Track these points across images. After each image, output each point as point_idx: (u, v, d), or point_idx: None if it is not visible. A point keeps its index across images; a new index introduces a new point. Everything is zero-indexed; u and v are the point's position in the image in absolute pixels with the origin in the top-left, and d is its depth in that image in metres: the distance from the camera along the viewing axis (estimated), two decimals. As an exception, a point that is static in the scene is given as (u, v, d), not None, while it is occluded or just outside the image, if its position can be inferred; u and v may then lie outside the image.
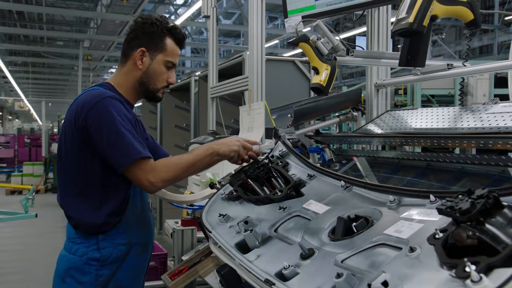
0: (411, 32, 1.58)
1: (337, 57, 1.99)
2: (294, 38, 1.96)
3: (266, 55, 3.25)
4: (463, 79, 2.07)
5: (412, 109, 2.26)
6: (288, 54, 14.76)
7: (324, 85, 1.93)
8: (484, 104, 1.91)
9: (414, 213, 1.32)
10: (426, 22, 1.57)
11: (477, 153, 1.74)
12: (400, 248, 1.18)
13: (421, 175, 1.84)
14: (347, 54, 2.04)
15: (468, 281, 0.82)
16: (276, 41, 17.31)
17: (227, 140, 1.89)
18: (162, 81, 1.93)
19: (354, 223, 1.42)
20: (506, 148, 1.43)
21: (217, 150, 1.84)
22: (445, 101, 5.64)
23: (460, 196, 1.00)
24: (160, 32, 1.90)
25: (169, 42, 1.92)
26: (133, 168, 1.73)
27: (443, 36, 17.42)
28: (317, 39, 1.96)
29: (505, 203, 0.95)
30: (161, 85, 1.94)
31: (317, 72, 1.96)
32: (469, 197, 0.96)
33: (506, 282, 0.76)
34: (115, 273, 1.82)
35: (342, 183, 1.69)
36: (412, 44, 1.64)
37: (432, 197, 1.29)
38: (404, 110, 2.35)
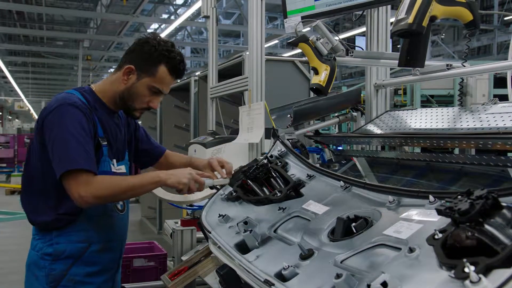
0: (411, 32, 1.59)
1: (337, 58, 1.99)
2: (294, 39, 1.96)
3: (265, 55, 3.25)
4: (462, 80, 2.07)
5: (412, 110, 2.26)
6: (287, 54, 14.75)
7: (324, 85, 1.93)
8: (483, 104, 1.91)
9: (414, 213, 1.32)
10: (425, 22, 1.57)
11: (476, 154, 1.74)
12: (400, 249, 1.18)
13: (420, 176, 1.84)
14: (347, 54, 2.04)
15: (467, 282, 0.82)
16: (276, 41, 17.31)
17: (178, 171, 1.85)
18: (142, 103, 1.92)
19: (353, 224, 1.42)
20: (505, 148, 1.43)
21: (164, 180, 1.81)
22: (444, 101, 5.63)
23: (459, 196, 1.00)
24: (156, 57, 1.87)
25: (162, 69, 1.88)
26: (68, 178, 1.71)
27: (443, 36, 17.42)
28: (317, 39, 1.96)
29: (504, 204, 0.95)
30: (140, 106, 1.93)
31: (316, 72, 1.96)
32: (468, 198, 0.96)
33: (505, 282, 0.76)
34: (70, 268, 1.85)
35: (342, 183, 1.69)
36: (412, 45, 1.65)
37: (431, 198, 1.29)
38: (403, 110, 2.35)
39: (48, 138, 1.77)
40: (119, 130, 1.98)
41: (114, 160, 1.93)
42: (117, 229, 2.01)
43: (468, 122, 1.84)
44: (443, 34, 17.40)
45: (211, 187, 1.99)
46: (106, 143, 1.87)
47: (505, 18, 14.92)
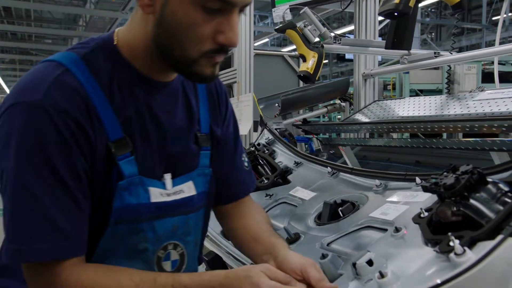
0: (397, 13, 1.56)
1: (325, 45, 1.98)
2: (281, 25, 1.94)
3: (255, 50, 3.23)
4: (450, 68, 2.07)
5: (400, 99, 2.26)
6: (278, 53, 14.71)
7: (311, 72, 1.92)
8: (470, 92, 1.92)
9: (400, 196, 1.31)
10: (412, 3, 1.55)
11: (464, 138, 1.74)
12: (386, 230, 1.17)
13: (409, 162, 1.84)
14: (335, 41, 2.02)
15: (451, 255, 0.81)
16: (266, 40, 17.29)
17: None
18: (200, 41, 0.89)
19: (340, 208, 1.41)
20: (491, 131, 1.43)
21: None
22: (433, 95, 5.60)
23: (445, 173, 0.99)
24: None
25: None
26: (27, 269, 0.89)
27: (432, 36, 17.54)
28: (304, 26, 1.94)
29: (489, 179, 0.94)
30: (199, 49, 0.90)
31: (304, 59, 1.95)
32: (454, 174, 0.95)
33: (488, 253, 0.75)
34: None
35: (329, 169, 1.68)
36: (398, 27, 1.64)
37: (418, 180, 1.28)
38: (391, 100, 2.34)
39: None
40: (174, 116, 1.03)
41: (167, 177, 1.01)
42: None
43: (456, 109, 1.84)
44: (433, 34, 17.52)
45: None
46: (129, 149, 0.94)
47: (493, 18, 15.05)
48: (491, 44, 15.58)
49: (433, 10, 16.79)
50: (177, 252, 1.04)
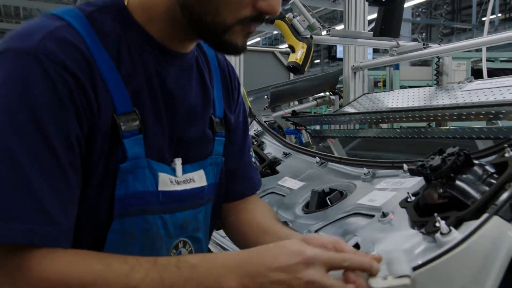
0: (384, -3, 1.55)
1: (314, 36, 1.97)
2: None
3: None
4: (439, 59, 2.07)
5: (389, 91, 2.26)
6: (269, 51, 14.74)
7: (300, 63, 1.91)
8: (459, 83, 1.92)
9: (388, 183, 1.31)
10: (399, -11, 1.55)
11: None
12: (373, 216, 1.16)
13: (398, 151, 1.84)
14: (324, 32, 2.02)
15: (437, 234, 0.80)
16: (258, 39, 17.33)
17: (271, 254, 0.70)
18: (240, 5, 0.76)
19: (328, 196, 1.40)
20: (479, 119, 1.43)
21: None
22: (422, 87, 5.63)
23: (432, 156, 0.98)
24: None
25: None
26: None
27: (423, 36, 17.64)
28: (293, 17, 1.93)
29: (476, 162, 0.94)
30: (236, 15, 0.76)
31: (293, 50, 1.94)
32: (440, 156, 0.95)
33: (473, 231, 0.75)
34: None
35: (317, 159, 1.67)
36: (386, 14, 1.63)
37: (405, 167, 1.28)
38: (381, 92, 2.34)
39: None
40: (188, 94, 0.90)
41: (177, 162, 0.88)
42: None
43: (444, 100, 1.84)
44: (424, 34, 17.63)
45: None
46: (137, 126, 0.79)
47: (483, 18, 15.19)
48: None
49: (423, 10, 16.90)
50: (187, 251, 0.92)
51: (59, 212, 0.69)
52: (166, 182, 0.84)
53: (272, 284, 0.66)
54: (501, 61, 5.55)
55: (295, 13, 1.94)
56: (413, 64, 6.60)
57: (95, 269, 0.68)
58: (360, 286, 0.67)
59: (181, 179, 0.87)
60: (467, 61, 4.73)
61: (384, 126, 2.12)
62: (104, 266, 0.69)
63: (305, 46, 1.92)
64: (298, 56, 1.91)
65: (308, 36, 1.95)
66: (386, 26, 1.64)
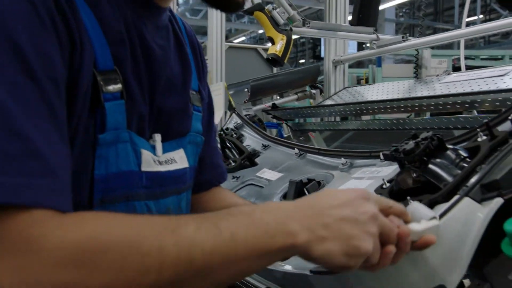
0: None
1: (293, 28, 1.96)
2: (249, 7, 1.92)
3: (228, 42, 3.21)
4: (418, 52, 2.08)
5: (369, 85, 2.26)
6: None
7: (280, 55, 1.89)
8: (437, 75, 1.93)
9: (365, 172, 1.31)
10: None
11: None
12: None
13: (378, 142, 1.84)
14: (303, 25, 2.01)
15: (409, 217, 0.79)
16: (243, 38, 17.30)
17: (334, 201, 0.60)
18: None
19: (306, 187, 1.40)
20: (455, 109, 1.44)
21: (306, 242, 0.56)
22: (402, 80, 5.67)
23: (405, 141, 0.98)
24: None
25: None
26: None
27: (407, 36, 17.79)
28: (273, 8, 1.92)
29: (449, 146, 0.94)
30: None
31: (272, 42, 1.92)
32: (414, 140, 0.95)
33: (444, 213, 0.74)
34: None
35: (296, 150, 1.66)
36: (364, 3, 1.63)
37: (382, 156, 1.28)
38: (361, 86, 2.35)
39: None
40: (167, 56, 0.78)
41: (157, 139, 0.76)
42: None
43: (423, 92, 1.86)
44: (408, 34, 17.78)
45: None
46: (119, 88, 0.66)
47: (467, 20, 15.37)
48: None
49: (406, 11, 17.07)
50: None
51: (51, 156, 0.51)
52: (149, 162, 0.71)
53: (338, 221, 0.57)
54: (482, 59, 5.64)
55: (274, 5, 1.93)
56: (397, 61, 6.64)
57: (133, 225, 0.51)
58: (404, 229, 0.63)
59: (163, 158, 0.75)
60: (448, 59, 4.78)
61: (366, 118, 2.12)
62: (144, 221, 0.53)
63: (285, 38, 1.91)
64: (277, 48, 1.90)
65: (288, 28, 1.94)
66: (363, 15, 1.64)
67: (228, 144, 1.85)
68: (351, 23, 1.72)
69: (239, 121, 2.01)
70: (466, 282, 0.90)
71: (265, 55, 4.80)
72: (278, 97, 2.56)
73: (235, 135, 1.90)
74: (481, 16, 14.61)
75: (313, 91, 2.49)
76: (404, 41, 1.96)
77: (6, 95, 0.48)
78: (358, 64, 10.04)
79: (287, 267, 0.99)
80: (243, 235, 0.53)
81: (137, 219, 0.53)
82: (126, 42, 0.69)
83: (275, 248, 0.54)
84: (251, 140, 1.90)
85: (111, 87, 0.65)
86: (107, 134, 0.64)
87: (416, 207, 0.69)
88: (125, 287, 0.47)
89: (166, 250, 0.49)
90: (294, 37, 1.92)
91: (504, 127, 0.97)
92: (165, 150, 0.77)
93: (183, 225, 0.52)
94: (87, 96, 0.62)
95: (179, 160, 0.79)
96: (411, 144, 0.93)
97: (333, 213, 0.58)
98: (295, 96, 2.44)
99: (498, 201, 0.72)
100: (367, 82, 5.79)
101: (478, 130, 0.97)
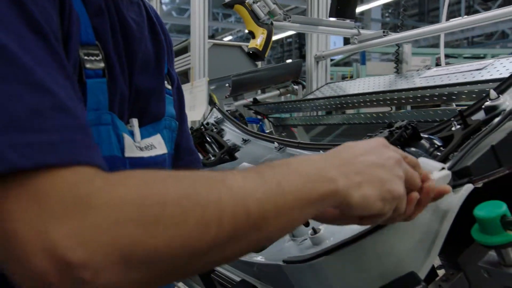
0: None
1: (274, 22, 1.95)
2: (230, 0, 1.90)
3: (212, 40, 3.19)
4: (398, 47, 2.09)
5: (350, 80, 2.26)
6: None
7: (261, 49, 1.88)
8: (418, 70, 1.94)
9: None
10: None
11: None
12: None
13: (360, 136, 1.84)
14: (284, 19, 2.00)
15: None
16: (230, 37, 17.28)
17: (369, 155, 0.60)
18: None
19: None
20: (433, 102, 1.44)
21: (345, 188, 0.55)
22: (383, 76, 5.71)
23: (381, 130, 0.98)
24: None
25: None
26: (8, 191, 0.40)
27: (388, 31, 17.93)
28: (253, 2, 1.90)
29: (424, 135, 0.94)
30: None
31: (253, 36, 1.91)
32: (389, 129, 0.94)
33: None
34: None
35: (276, 144, 1.65)
36: (342, -5, 1.63)
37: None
38: (342, 81, 2.35)
39: None
40: (143, 33, 0.74)
41: (135, 123, 0.72)
42: None
43: (403, 86, 1.86)
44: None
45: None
46: (101, 66, 0.63)
47: (450, 21, 15.54)
48: (448, 44, 16.10)
49: (392, 11, 17.20)
50: None
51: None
52: (132, 147, 0.67)
53: (368, 167, 0.57)
54: (464, 57, 5.69)
55: (255, -1, 1.91)
56: (383, 60, 6.67)
57: (183, 178, 0.47)
58: (426, 174, 0.64)
59: (143, 144, 0.71)
60: (431, 57, 4.83)
61: (349, 112, 2.12)
62: (192, 174, 0.48)
63: (265, 32, 1.89)
64: (258, 42, 1.88)
65: (269, 23, 1.93)
66: (341, 7, 1.63)
67: (208, 139, 1.83)
68: (330, 15, 1.71)
69: (219, 116, 1.99)
70: (441, 272, 0.90)
71: (250, 52, 4.79)
72: (260, 92, 2.54)
73: (215, 130, 1.88)
74: (465, 17, 14.76)
75: (296, 86, 2.49)
76: (385, 35, 1.96)
77: (18, 48, 0.44)
78: (345, 64, 10.10)
79: (261, 258, 0.98)
80: (288, 183, 0.51)
81: (184, 173, 0.48)
82: (105, 14, 0.64)
83: (318, 195, 0.52)
84: (231, 134, 1.89)
85: (93, 64, 0.60)
86: (88, 114, 0.57)
87: (424, 161, 0.69)
88: (187, 243, 0.43)
89: (223, 201, 0.46)
90: (281, 36, 1.91)
91: (479, 116, 0.97)
92: (142, 136, 0.72)
93: (230, 176, 0.49)
94: (75, 71, 0.58)
95: (158, 145, 0.75)
96: (385, 133, 0.92)
97: (361, 160, 0.58)
98: (277, 92, 2.43)
99: (468, 187, 0.71)
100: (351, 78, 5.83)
101: (453, 119, 0.97)
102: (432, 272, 0.87)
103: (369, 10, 14.61)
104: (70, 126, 0.44)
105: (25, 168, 0.40)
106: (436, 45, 16.30)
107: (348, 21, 2.01)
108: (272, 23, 1.94)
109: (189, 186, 0.46)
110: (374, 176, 0.57)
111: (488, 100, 0.93)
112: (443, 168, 0.68)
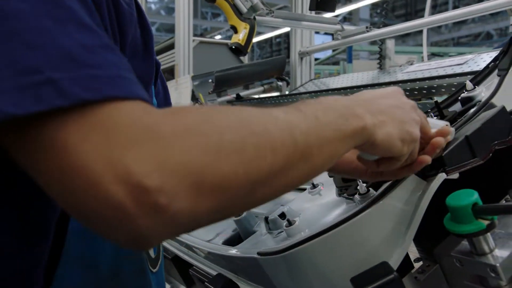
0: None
1: (257, 17, 1.93)
2: (211, -5, 1.88)
3: (198, 37, 3.17)
4: (382, 42, 2.09)
5: (334, 76, 2.26)
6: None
7: (243, 44, 1.87)
8: (400, 66, 1.94)
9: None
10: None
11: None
12: (305, 189, 1.14)
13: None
14: (267, 14, 1.98)
15: (356, 196, 0.78)
16: (219, 36, 17.27)
17: (391, 102, 0.63)
18: None
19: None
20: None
21: (372, 127, 0.57)
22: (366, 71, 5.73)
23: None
24: None
25: None
26: (65, 127, 0.39)
27: (371, 27, 18.02)
28: (236, -4, 1.89)
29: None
30: None
31: (235, 31, 1.90)
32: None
33: (389, 189, 0.73)
34: None
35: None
36: (322, -12, 1.62)
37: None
38: (326, 78, 2.34)
39: None
40: (132, 18, 0.68)
41: None
42: None
43: (386, 80, 1.86)
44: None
45: None
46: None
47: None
48: (435, 44, 16.24)
49: (379, 11, 17.31)
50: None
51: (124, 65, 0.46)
52: None
53: (389, 108, 0.61)
54: (450, 55, 5.71)
55: (237, -7, 1.89)
56: (372, 59, 6.69)
57: (231, 110, 0.48)
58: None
59: None
60: (418, 56, 4.85)
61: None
62: (238, 107, 0.49)
63: (248, 27, 1.88)
64: (240, 37, 1.87)
65: (251, 17, 1.91)
66: (321, 0, 1.62)
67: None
68: (310, 7, 1.71)
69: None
70: (418, 265, 0.89)
71: (236, 51, 4.78)
72: (244, 89, 2.53)
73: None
74: (447, 12, 14.86)
75: (280, 83, 2.48)
76: (368, 31, 1.96)
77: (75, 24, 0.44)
78: (334, 63, 10.12)
79: (236, 252, 0.97)
80: (325, 117, 0.53)
81: (232, 107, 0.49)
82: None
83: (350, 130, 0.55)
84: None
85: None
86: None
87: (429, 119, 0.71)
88: (249, 171, 0.44)
89: (273, 132, 0.47)
90: (270, 35, 1.90)
91: (455, 107, 0.97)
92: None
93: (273, 109, 0.50)
94: None
95: None
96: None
97: (381, 102, 0.62)
98: (261, 88, 2.42)
99: (441, 176, 0.71)
100: (338, 78, 5.84)
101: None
102: (409, 264, 0.86)
103: (357, 10, 14.68)
104: (120, 64, 0.44)
105: (92, 100, 0.40)
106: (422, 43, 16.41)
107: (331, 16, 2.01)
108: (254, 18, 1.93)
109: (241, 117, 0.47)
110: (396, 116, 0.60)
111: (464, 91, 0.93)
112: (446, 126, 0.71)
